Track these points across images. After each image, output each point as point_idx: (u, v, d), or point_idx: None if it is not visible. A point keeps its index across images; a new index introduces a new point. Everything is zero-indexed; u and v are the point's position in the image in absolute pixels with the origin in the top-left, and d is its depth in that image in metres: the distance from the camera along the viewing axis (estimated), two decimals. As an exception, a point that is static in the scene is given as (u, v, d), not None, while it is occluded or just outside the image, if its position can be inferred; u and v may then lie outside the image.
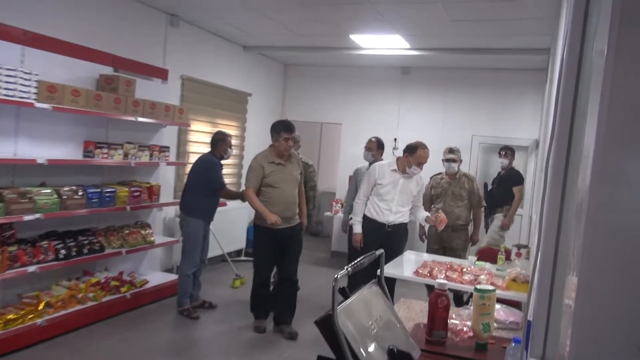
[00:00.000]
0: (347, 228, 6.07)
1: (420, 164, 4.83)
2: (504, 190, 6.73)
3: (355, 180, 6.10)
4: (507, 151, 6.85)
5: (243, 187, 5.10)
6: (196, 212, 5.24)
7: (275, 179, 4.76)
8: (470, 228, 5.69)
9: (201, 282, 5.57)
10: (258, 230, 4.84)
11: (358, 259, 1.89)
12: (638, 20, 0.76)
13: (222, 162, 5.40)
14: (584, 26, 1.24)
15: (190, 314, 5.22)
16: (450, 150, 5.66)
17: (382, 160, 5.76)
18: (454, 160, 5.61)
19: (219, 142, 5.36)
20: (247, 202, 4.96)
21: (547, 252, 1.37)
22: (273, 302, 5.04)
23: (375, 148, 6.02)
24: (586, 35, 1.23)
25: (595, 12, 1.13)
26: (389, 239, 4.83)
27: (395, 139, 8.42)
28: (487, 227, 6.78)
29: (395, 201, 4.87)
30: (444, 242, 5.58)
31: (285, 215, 4.76)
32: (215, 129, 7.24)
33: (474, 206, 5.64)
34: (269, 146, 4.89)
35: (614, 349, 0.74)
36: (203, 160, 5.33)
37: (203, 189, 5.24)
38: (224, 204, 6.06)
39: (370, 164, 5.87)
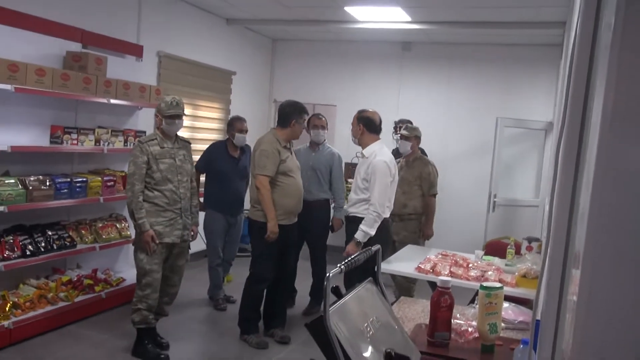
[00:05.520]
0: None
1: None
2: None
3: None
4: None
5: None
6: (210, 203, 5.57)
7: (291, 166, 4.62)
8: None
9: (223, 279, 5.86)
10: (265, 229, 4.51)
11: (354, 255, 1.91)
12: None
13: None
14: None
15: (218, 305, 5.62)
16: (405, 127, 5.69)
17: None
18: (406, 138, 5.59)
19: (228, 126, 5.76)
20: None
21: (557, 246, 1.39)
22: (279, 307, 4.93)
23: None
24: (601, 6, 1.22)
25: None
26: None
27: (395, 122, 8.37)
28: None
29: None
30: (392, 235, 5.46)
31: (297, 209, 4.72)
32: (197, 111, 7.27)
33: (425, 194, 5.56)
34: (273, 129, 4.81)
35: (618, 351, 0.75)
36: None
37: (210, 178, 5.61)
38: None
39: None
